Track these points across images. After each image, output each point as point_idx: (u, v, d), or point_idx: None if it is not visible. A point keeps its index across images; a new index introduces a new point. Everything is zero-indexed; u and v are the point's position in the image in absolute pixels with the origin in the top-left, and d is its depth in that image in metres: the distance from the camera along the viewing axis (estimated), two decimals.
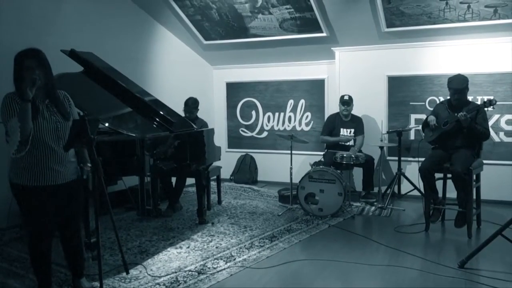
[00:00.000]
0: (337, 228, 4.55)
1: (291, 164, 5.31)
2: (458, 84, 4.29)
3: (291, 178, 5.25)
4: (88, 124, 2.41)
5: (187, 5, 5.90)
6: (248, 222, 4.77)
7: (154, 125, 4.29)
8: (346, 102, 5.75)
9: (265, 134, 7.13)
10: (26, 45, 4.37)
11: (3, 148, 4.03)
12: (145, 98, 4.39)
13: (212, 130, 5.07)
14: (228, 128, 7.37)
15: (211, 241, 4.10)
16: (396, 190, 5.76)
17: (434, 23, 5.32)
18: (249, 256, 3.69)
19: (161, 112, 4.32)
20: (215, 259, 3.64)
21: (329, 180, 4.89)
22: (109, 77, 4.28)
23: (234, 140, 7.34)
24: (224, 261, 3.59)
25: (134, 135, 3.89)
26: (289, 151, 5.42)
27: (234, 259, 3.62)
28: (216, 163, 5.43)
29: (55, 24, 4.85)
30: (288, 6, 5.55)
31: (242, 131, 7.28)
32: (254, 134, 7.21)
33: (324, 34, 5.90)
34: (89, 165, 2.85)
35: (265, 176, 7.12)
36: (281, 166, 6.75)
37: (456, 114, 4.22)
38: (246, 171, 7.10)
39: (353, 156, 5.21)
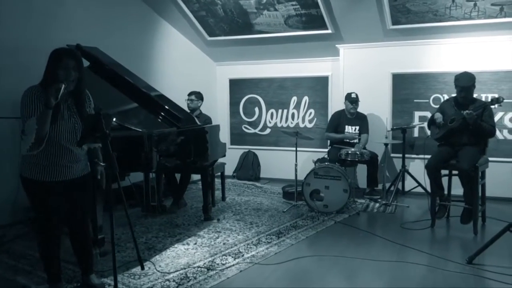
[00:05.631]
0: (343, 225, 4.56)
1: (296, 161, 5.30)
2: (465, 82, 4.29)
3: (295, 175, 5.24)
4: (102, 119, 2.40)
5: (192, 1, 5.87)
6: (254, 218, 4.76)
7: (159, 120, 4.28)
8: (354, 100, 5.72)
9: (268, 131, 7.12)
10: (30, 40, 4.43)
11: (10, 147, 4.07)
12: (151, 93, 4.37)
13: (218, 126, 5.05)
14: (231, 125, 7.35)
15: (218, 238, 4.10)
16: (400, 187, 5.77)
17: (440, 21, 5.32)
18: (257, 252, 3.69)
19: (168, 107, 4.30)
20: (223, 255, 3.63)
21: (335, 177, 4.88)
22: (115, 72, 4.26)
23: (237, 137, 7.33)
24: (232, 257, 3.58)
25: (141, 130, 3.87)
26: (292, 148, 5.41)
27: (243, 255, 3.62)
28: (220, 160, 5.42)
29: (59, 19, 4.80)
30: (293, 3, 5.53)
31: (245, 127, 7.27)
32: (257, 130, 7.20)
33: (329, 31, 5.88)
34: (102, 164, 2.83)
35: (267, 173, 7.11)
36: (283, 163, 6.74)
37: (462, 112, 4.23)
38: (249, 168, 7.09)
39: (357, 152, 5.21)
